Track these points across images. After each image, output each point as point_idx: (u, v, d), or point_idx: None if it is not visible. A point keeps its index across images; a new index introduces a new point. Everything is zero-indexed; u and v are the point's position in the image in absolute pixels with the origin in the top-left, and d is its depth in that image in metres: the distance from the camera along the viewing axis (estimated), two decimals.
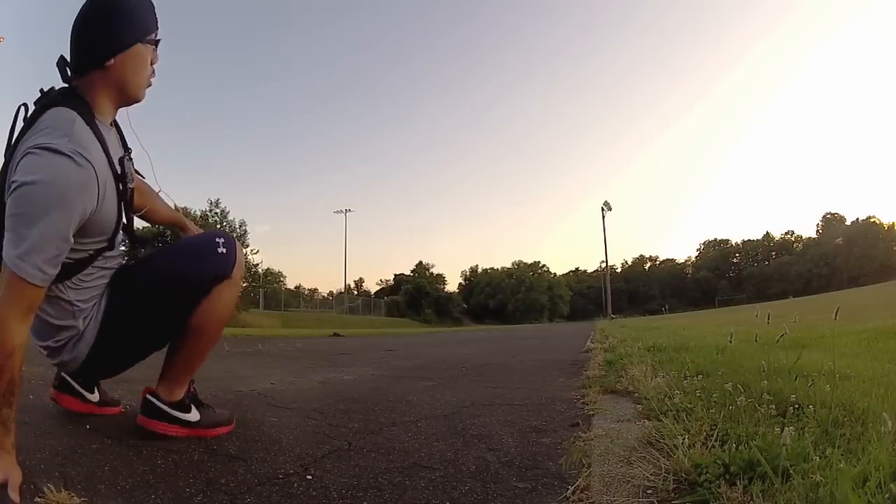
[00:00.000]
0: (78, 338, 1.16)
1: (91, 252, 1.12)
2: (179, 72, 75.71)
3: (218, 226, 18.21)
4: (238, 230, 18.70)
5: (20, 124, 1.04)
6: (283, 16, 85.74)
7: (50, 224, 0.94)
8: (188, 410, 1.31)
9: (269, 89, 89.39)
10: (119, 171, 1.12)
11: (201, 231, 1.47)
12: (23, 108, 1.06)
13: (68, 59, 1.08)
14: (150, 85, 1.18)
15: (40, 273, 0.95)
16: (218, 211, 18.38)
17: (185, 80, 77.62)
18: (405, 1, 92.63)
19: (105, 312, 1.18)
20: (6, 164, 1.03)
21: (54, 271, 0.99)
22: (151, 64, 1.17)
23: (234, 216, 19.73)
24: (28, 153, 0.97)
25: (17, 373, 0.93)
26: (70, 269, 1.09)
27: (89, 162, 1.01)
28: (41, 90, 1.08)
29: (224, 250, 1.23)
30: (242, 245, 19.12)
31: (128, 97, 1.15)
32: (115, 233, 1.14)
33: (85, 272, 1.13)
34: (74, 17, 1.07)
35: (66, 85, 1.09)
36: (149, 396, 1.27)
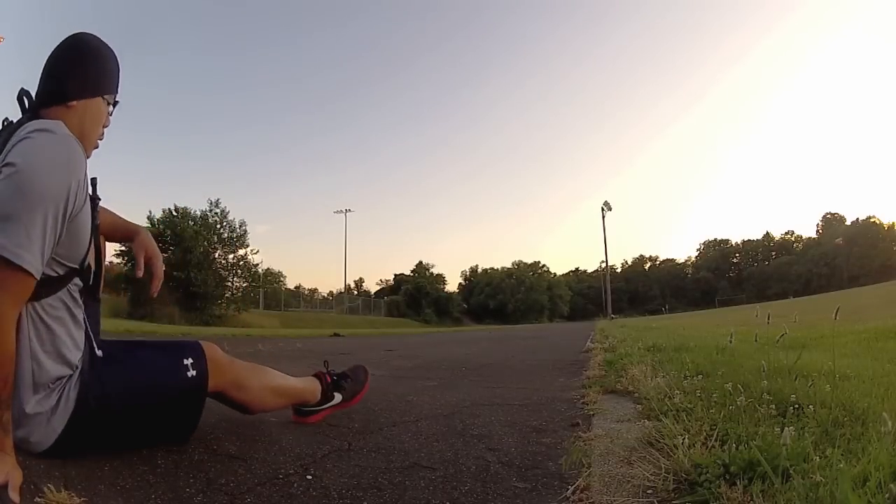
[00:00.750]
0: (49, 417, 0.99)
1: (60, 273, 1.02)
2: (180, 72, 75.83)
3: (218, 226, 18.22)
4: (238, 230, 18.71)
5: None
6: (283, 16, 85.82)
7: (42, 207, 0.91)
8: (331, 399, 1.56)
9: (269, 89, 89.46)
10: (92, 191, 1.10)
11: (154, 246, 1.34)
12: None
13: (32, 93, 1.07)
14: (96, 146, 1.15)
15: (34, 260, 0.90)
16: (218, 211, 18.39)
17: (185, 81, 77.72)
18: (406, 2, 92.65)
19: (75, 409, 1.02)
20: None
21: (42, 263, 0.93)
22: (104, 126, 1.15)
23: (234, 216, 19.74)
24: (24, 137, 0.95)
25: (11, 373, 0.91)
26: (44, 288, 0.98)
27: (82, 155, 1.00)
28: (3, 120, 1.06)
29: (193, 373, 1.15)
30: (242, 245, 19.16)
31: None
32: (85, 259, 1.06)
33: (50, 301, 1.01)
34: (50, 54, 1.07)
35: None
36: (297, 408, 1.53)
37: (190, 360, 1.17)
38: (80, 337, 1.07)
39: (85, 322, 1.09)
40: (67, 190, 0.95)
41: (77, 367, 1.04)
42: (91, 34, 1.12)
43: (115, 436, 1.10)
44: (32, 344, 0.98)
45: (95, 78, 1.10)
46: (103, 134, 1.16)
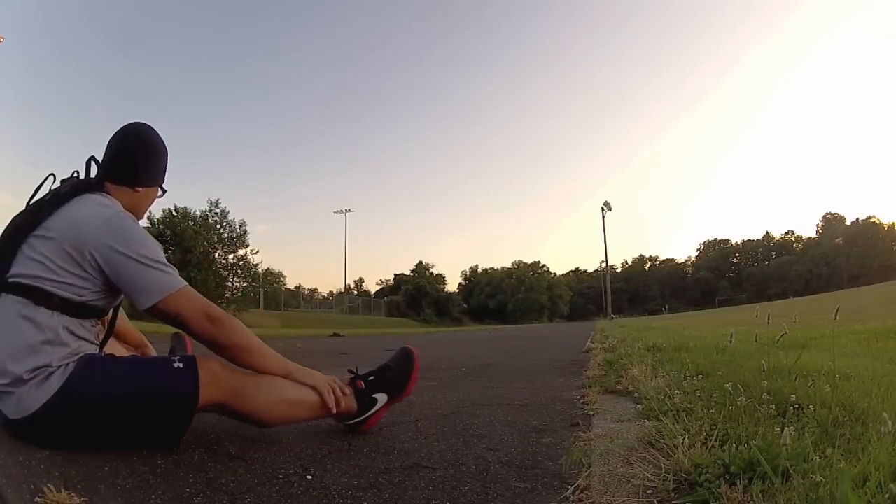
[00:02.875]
0: (45, 377, 1.06)
1: (103, 304, 1.18)
2: (180, 72, 75.81)
3: (218, 226, 18.20)
4: (238, 230, 18.67)
5: (46, 186, 1.22)
6: (283, 17, 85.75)
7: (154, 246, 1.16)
8: (373, 403, 1.43)
9: (269, 90, 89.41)
10: None
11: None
12: (51, 178, 1.24)
13: (99, 161, 1.27)
14: (141, 218, 1.36)
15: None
16: (218, 211, 18.36)
17: (185, 81, 77.70)
18: (406, 3, 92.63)
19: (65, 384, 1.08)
20: (44, 213, 1.14)
21: None
22: (151, 205, 1.40)
23: (234, 216, 19.63)
24: (114, 217, 1.14)
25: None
26: (83, 310, 1.13)
27: None
28: (75, 173, 1.26)
29: (180, 365, 1.15)
30: (242, 245, 19.10)
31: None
32: (112, 306, 1.24)
33: (82, 321, 1.15)
34: (122, 135, 1.28)
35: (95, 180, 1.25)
36: (341, 422, 1.43)
37: (178, 360, 1.16)
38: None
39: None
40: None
41: (62, 367, 1.08)
42: (154, 129, 1.33)
43: (97, 429, 1.09)
44: (59, 336, 1.09)
45: (158, 171, 1.34)
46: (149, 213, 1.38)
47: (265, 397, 1.25)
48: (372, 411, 1.42)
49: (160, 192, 1.38)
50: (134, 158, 1.28)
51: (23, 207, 1.19)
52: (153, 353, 1.66)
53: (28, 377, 1.05)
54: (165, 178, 1.37)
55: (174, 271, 1.16)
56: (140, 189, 1.28)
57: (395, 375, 1.47)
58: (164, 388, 1.12)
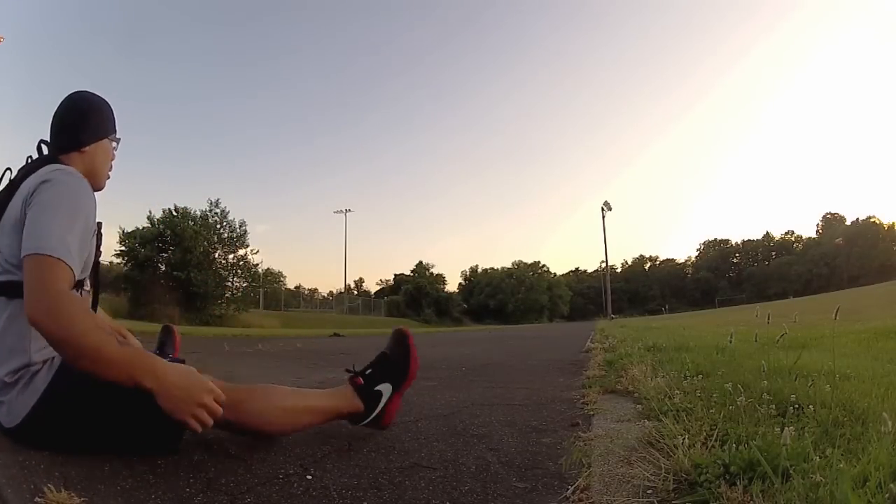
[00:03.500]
0: (29, 379, 1.05)
1: None
2: (180, 72, 75.78)
3: (218, 226, 18.21)
4: (238, 230, 18.67)
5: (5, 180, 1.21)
6: (283, 18, 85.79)
7: (75, 215, 1.07)
8: (378, 396, 1.38)
9: (269, 90, 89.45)
10: (98, 231, 1.22)
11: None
12: (8, 172, 1.22)
13: (48, 141, 1.27)
14: (108, 177, 1.37)
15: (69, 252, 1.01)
16: (218, 211, 18.36)
17: (185, 81, 77.67)
18: (406, 4, 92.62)
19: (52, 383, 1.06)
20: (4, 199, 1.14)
21: (79, 263, 1.06)
22: (111, 160, 1.37)
23: (234, 216, 19.64)
24: (46, 179, 1.09)
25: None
26: None
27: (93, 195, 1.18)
28: (28, 158, 1.25)
29: None
30: (242, 245, 19.14)
31: (94, 183, 1.27)
32: (83, 282, 1.19)
33: None
34: (57, 107, 1.28)
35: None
36: (357, 424, 1.39)
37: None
38: None
39: None
40: (94, 210, 1.14)
41: (48, 362, 1.07)
42: (85, 90, 1.33)
43: (87, 432, 1.07)
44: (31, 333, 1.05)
45: (98, 125, 1.31)
46: (112, 167, 1.38)
47: (261, 407, 1.22)
48: (381, 405, 1.39)
49: (114, 144, 1.36)
50: (71, 121, 1.27)
51: None
52: (133, 340, 1.56)
53: (10, 380, 1.04)
54: (115, 129, 1.36)
55: (72, 246, 1.02)
56: (87, 148, 1.27)
57: (394, 361, 1.43)
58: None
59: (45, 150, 1.27)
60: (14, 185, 1.16)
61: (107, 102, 1.35)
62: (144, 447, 1.12)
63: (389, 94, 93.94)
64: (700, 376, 1.99)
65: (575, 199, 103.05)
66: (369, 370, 1.42)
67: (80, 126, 1.28)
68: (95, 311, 1.28)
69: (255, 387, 1.26)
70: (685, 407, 1.46)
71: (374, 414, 1.39)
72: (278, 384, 1.37)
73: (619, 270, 75.19)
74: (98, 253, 1.24)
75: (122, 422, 1.08)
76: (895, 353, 2.85)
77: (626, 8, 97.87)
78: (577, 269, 76.78)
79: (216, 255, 18.17)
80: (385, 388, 1.40)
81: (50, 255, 0.98)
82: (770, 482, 0.86)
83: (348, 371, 1.44)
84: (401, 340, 1.47)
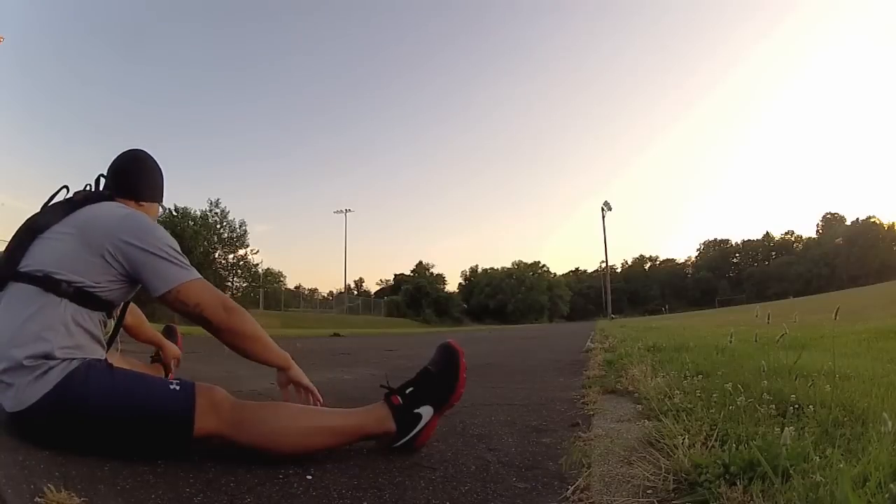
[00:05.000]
0: (45, 371, 1.06)
1: (115, 295, 1.21)
2: (180, 72, 75.77)
3: (218, 226, 18.22)
4: (238, 230, 18.70)
5: (61, 195, 1.29)
6: (284, 19, 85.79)
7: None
8: (416, 419, 1.24)
9: (269, 90, 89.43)
10: None
11: (177, 350, 1.90)
12: (64, 190, 1.30)
13: (106, 177, 1.35)
14: None
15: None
16: (218, 211, 18.39)
17: (185, 81, 77.64)
18: (405, 5, 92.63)
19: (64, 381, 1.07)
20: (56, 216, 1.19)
21: None
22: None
23: (234, 216, 19.65)
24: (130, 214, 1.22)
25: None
26: (94, 300, 1.15)
27: None
28: (87, 186, 1.34)
29: (177, 388, 1.13)
30: (242, 245, 19.19)
31: None
32: (124, 299, 1.28)
33: (91, 313, 1.16)
34: (123, 157, 1.39)
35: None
36: (384, 446, 1.26)
37: (176, 382, 1.15)
38: (92, 350, 1.16)
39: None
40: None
41: (66, 361, 1.08)
42: (151, 155, 1.44)
43: (86, 437, 1.08)
44: (68, 328, 1.11)
45: (157, 189, 1.44)
46: None
47: (271, 427, 1.15)
48: (418, 429, 1.24)
49: (161, 210, 1.49)
50: (136, 176, 1.39)
51: (28, 212, 1.25)
52: (172, 349, 1.86)
53: (28, 364, 1.05)
54: (164, 198, 1.49)
55: (190, 265, 1.24)
56: (144, 203, 1.38)
57: (439, 380, 1.28)
58: (155, 408, 1.09)
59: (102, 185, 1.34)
60: (73, 203, 1.23)
61: (162, 173, 1.47)
62: (151, 452, 1.12)
63: (389, 94, 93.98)
64: (700, 376, 1.99)
65: (575, 199, 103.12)
66: (410, 388, 1.26)
67: (144, 181, 1.40)
68: (120, 327, 1.35)
69: (265, 404, 1.21)
70: (685, 407, 1.46)
71: (407, 438, 1.24)
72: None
73: (619, 270, 75.19)
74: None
75: (119, 436, 1.09)
76: (895, 353, 2.85)
77: (627, 8, 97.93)
78: (577, 269, 76.85)
79: (216, 255, 18.22)
80: (426, 412, 1.25)
81: (199, 278, 1.24)
82: (770, 482, 0.86)
83: (383, 387, 1.29)
84: (449, 358, 1.32)
